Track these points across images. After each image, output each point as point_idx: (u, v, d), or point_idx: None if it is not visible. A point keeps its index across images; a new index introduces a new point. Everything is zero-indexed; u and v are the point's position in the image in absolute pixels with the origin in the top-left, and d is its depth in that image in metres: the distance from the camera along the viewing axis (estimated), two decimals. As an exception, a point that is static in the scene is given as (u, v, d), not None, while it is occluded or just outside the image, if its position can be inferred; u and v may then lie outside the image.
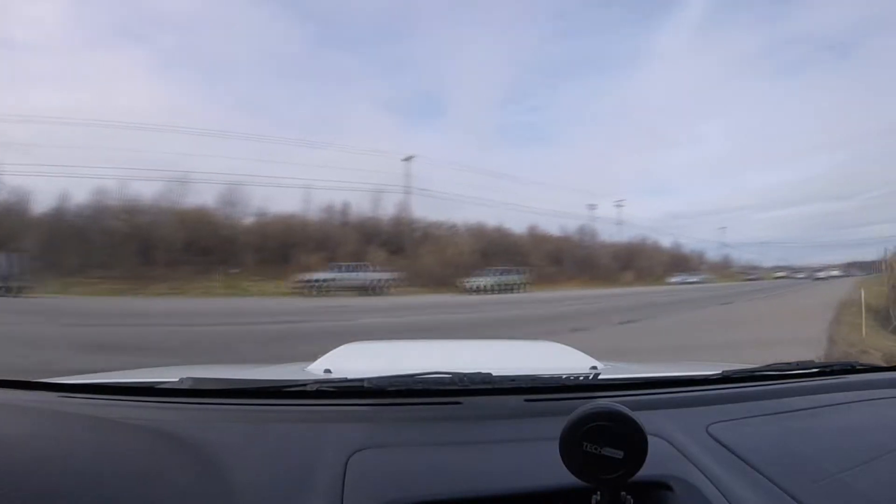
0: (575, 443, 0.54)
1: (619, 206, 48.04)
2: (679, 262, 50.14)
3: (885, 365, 1.21)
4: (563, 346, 1.64)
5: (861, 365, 1.15)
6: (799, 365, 1.10)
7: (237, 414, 0.82)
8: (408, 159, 33.90)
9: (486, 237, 36.40)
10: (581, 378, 0.94)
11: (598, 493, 0.56)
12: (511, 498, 0.65)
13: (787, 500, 0.64)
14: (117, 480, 0.61)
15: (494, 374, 0.89)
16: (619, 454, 0.54)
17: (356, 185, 32.36)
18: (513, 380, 0.90)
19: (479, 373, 0.89)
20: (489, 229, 37.97)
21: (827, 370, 1.11)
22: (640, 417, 0.55)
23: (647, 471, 0.55)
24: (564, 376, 0.93)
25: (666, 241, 56.44)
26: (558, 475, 0.57)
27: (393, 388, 0.87)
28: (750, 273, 56.58)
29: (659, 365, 1.40)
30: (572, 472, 0.55)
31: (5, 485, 0.55)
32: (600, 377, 0.99)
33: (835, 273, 59.65)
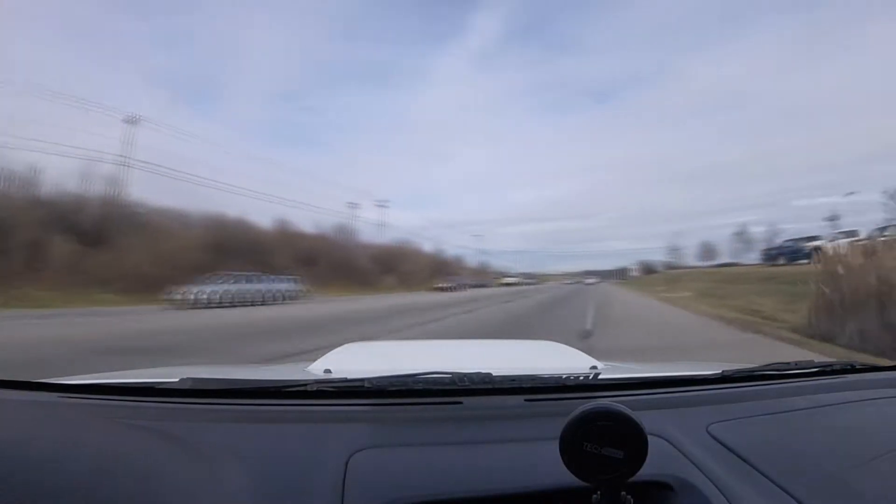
0: (575, 443, 0.54)
1: (381, 206, 45.79)
2: (440, 267, 49.21)
3: (885, 364, 1.21)
4: (563, 345, 1.64)
5: (861, 364, 1.15)
6: (798, 365, 1.10)
7: (237, 414, 0.82)
8: (132, 122, 25.17)
9: (226, 230, 28.31)
10: (581, 378, 0.94)
11: (598, 493, 0.56)
12: (511, 498, 0.65)
13: (787, 500, 0.64)
14: (117, 480, 0.61)
15: (494, 374, 0.89)
16: (619, 454, 0.54)
17: (65, 150, 22.41)
18: (513, 380, 0.90)
19: (480, 373, 0.89)
20: (229, 220, 29.97)
21: (827, 370, 1.11)
22: (640, 417, 0.55)
23: (647, 471, 0.55)
24: (564, 376, 0.93)
25: (428, 247, 56.34)
26: (558, 475, 0.57)
27: (393, 389, 0.87)
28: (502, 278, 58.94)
29: (659, 365, 1.40)
30: (572, 472, 0.55)
31: (5, 485, 0.55)
32: (600, 377, 0.99)
33: (593, 280, 67.73)
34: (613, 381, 0.99)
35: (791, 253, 21.75)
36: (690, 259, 71.14)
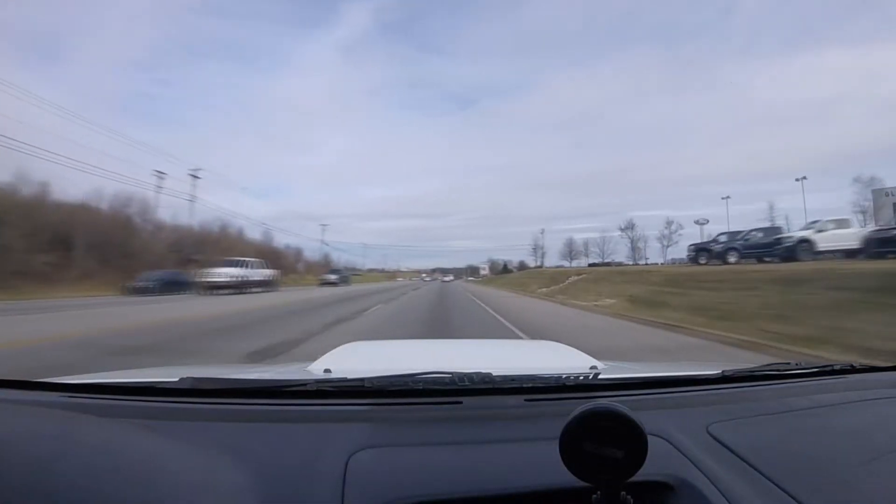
0: (575, 443, 0.54)
1: (194, 175, 32.68)
2: (267, 256, 34.43)
3: (885, 364, 1.21)
4: (563, 345, 1.65)
5: (861, 365, 1.15)
6: (799, 365, 1.10)
7: (237, 414, 0.82)
8: None
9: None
10: (581, 378, 0.94)
11: (598, 493, 0.56)
12: (511, 498, 0.65)
13: (787, 500, 0.64)
14: (117, 480, 0.61)
15: (494, 373, 0.89)
16: (619, 454, 0.54)
17: None
18: (513, 380, 0.90)
19: (479, 373, 0.89)
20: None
21: (827, 370, 1.11)
22: (640, 417, 0.55)
23: (647, 471, 0.55)
24: (564, 376, 0.93)
25: (256, 233, 48.67)
26: (558, 475, 0.57)
27: (393, 388, 0.87)
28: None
29: (659, 365, 1.40)
30: (572, 472, 0.55)
31: (5, 485, 0.55)
32: (600, 377, 0.99)
33: (449, 277, 70.69)
34: (613, 381, 0.99)
35: (729, 249, 16.88)
36: (554, 259, 70.55)
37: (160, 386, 0.91)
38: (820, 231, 14.51)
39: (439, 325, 8.67)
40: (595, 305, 12.74)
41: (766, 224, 24.96)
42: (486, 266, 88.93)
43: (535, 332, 7.43)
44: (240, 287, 22.73)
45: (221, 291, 21.24)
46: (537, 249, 72.61)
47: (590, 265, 51.58)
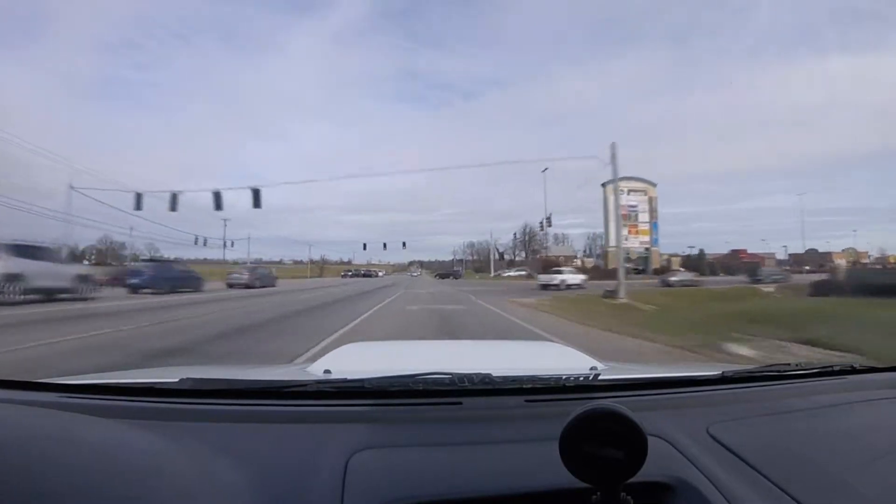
0: (575, 443, 0.54)
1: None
2: None
3: (885, 365, 1.21)
4: (563, 346, 1.65)
5: (861, 365, 1.15)
6: (798, 365, 1.10)
7: (237, 414, 0.83)
8: None
9: None
10: (581, 379, 0.94)
11: (598, 493, 0.56)
12: (511, 498, 0.65)
13: (787, 501, 0.64)
14: (117, 481, 0.61)
15: (494, 374, 0.89)
16: (619, 455, 0.54)
17: None
18: (513, 380, 0.90)
19: (480, 373, 0.89)
20: None
21: (826, 370, 1.11)
22: (640, 418, 0.55)
23: (647, 471, 0.55)
24: (564, 377, 0.93)
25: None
26: (558, 476, 0.57)
27: (393, 389, 0.87)
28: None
29: (659, 366, 1.40)
30: (572, 473, 0.55)
31: (5, 485, 0.55)
32: (600, 378, 0.99)
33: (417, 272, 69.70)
34: (613, 382, 0.99)
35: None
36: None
37: (160, 386, 0.91)
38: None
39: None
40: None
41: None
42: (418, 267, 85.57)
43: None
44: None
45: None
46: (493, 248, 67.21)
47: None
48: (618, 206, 28.75)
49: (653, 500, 0.66)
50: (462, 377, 0.88)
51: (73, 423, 0.77)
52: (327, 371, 1.15)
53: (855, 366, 1.14)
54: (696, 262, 56.36)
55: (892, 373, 1.15)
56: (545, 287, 24.71)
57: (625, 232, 43.76)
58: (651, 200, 53.93)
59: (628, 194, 49.99)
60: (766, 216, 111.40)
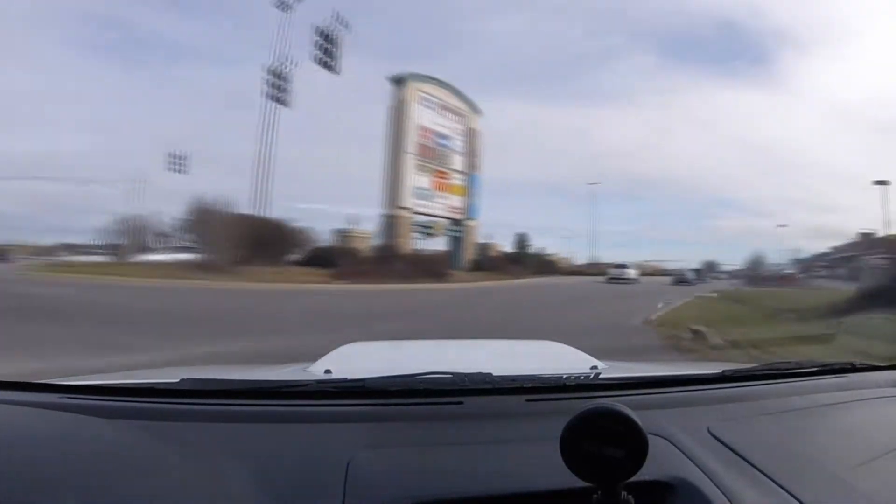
0: (575, 443, 0.54)
1: None
2: None
3: (884, 364, 1.21)
4: (563, 345, 1.64)
5: (861, 364, 1.15)
6: (799, 364, 1.10)
7: (237, 414, 0.82)
8: None
9: None
10: (582, 378, 0.94)
11: (599, 492, 0.56)
12: (512, 498, 0.65)
13: (787, 500, 0.64)
14: (117, 481, 0.61)
15: (495, 374, 0.89)
16: (619, 454, 0.54)
17: None
18: (513, 380, 0.90)
19: (480, 373, 0.89)
20: None
21: (827, 369, 1.11)
22: (641, 417, 0.55)
23: (647, 470, 0.55)
24: (565, 376, 0.93)
25: None
26: (559, 475, 0.57)
27: (393, 389, 0.87)
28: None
29: (659, 364, 1.40)
30: (573, 472, 0.55)
31: (5, 485, 0.55)
32: (601, 377, 0.99)
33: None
34: (614, 381, 0.98)
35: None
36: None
37: (160, 387, 0.91)
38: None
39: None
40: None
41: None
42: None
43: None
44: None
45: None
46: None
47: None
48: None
49: (654, 499, 0.66)
50: (463, 377, 0.88)
51: (74, 423, 0.77)
52: (328, 371, 1.15)
53: (855, 364, 1.14)
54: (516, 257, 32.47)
55: (892, 371, 1.15)
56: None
57: (425, 182, 26.40)
58: (472, 134, 29.61)
59: (437, 113, 27.54)
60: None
